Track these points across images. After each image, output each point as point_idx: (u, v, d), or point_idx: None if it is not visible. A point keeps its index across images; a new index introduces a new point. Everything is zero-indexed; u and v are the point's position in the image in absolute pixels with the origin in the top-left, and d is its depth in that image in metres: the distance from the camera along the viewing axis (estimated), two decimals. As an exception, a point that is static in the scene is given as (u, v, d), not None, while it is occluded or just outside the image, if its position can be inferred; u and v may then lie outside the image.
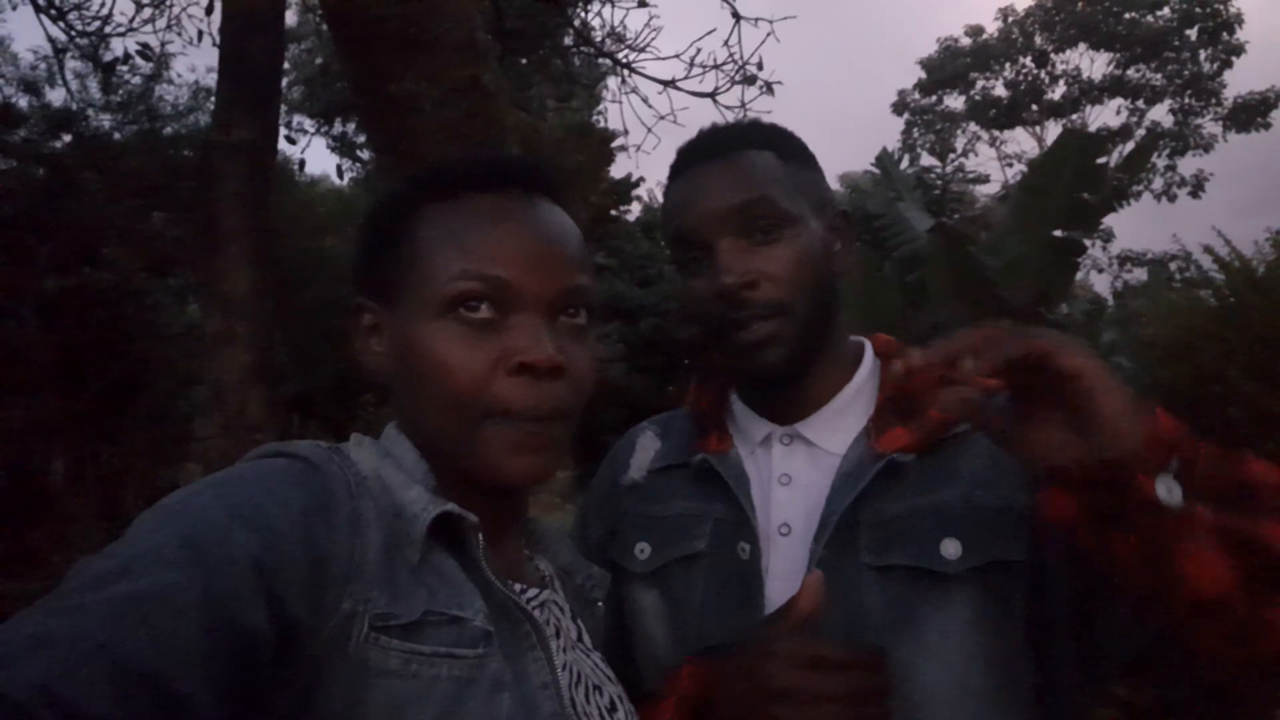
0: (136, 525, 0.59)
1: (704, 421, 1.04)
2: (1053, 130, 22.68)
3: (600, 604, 0.88)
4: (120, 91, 8.58)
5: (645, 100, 6.92)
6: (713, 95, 5.00)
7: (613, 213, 12.87)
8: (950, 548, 0.85)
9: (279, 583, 0.58)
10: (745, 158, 0.94)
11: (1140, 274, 18.61)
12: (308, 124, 13.62)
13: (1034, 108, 22.46)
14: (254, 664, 0.55)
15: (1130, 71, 21.16)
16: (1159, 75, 20.80)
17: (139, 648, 0.49)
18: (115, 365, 7.39)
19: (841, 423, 0.96)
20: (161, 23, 5.57)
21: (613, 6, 5.71)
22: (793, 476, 0.95)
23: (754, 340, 0.91)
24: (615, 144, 11.33)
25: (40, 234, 7.27)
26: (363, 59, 1.81)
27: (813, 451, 0.96)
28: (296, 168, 9.28)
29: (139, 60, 5.79)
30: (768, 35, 4.88)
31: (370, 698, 0.61)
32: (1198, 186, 20.19)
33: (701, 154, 0.97)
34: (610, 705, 0.78)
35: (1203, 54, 20.18)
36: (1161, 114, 21.16)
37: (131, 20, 5.61)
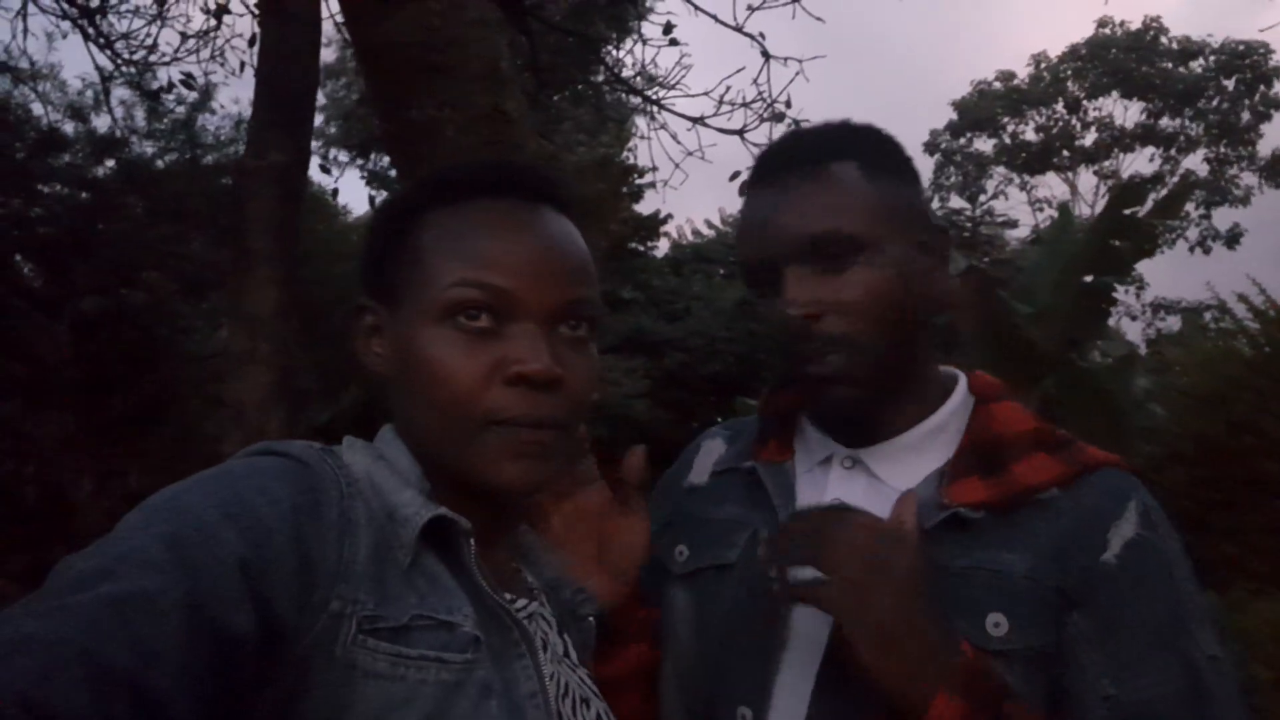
0: (123, 524, 0.58)
1: (767, 429, 0.99)
2: (1084, 176, 22.59)
3: (590, 619, 0.86)
4: (165, 120, 8.80)
5: (674, 137, 7.00)
6: (741, 133, 5.03)
7: (639, 247, 12.93)
8: (996, 624, 0.79)
9: (266, 582, 0.57)
10: (824, 174, 0.86)
11: (1174, 322, 18.34)
12: (343, 157, 13.91)
13: (1065, 153, 22.37)
14: (238, 666, 0.54)
15: (1164, 121, 21.05)
16: (1195, 125, 20.67)
17: (119, 651, 0.48)
18: (146, 384, 7.49)
19: (912, 459, 0.89)
20: (206, 53, 5.73)
21: (644, 44, 5.79)
22: (846, 503, 0.89)
23: (820, 375, 0.86)
24: (644, 180, 11.43)
25: (81, 254, 7.44)
26: (386, 84, 1.84)
27: (874, 483, 0.89)
28: (330, 195, 9.45)
29: (183, 89, 5.95)
30: (797, 74, 4.91)
31: (357, 699, 0.60)
32: (1233, 239, 19.94)
33: (779, 165, 0.90)
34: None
35: (1241, 105, 20.05)
36: (1196, 163, 21.01)
37: (177, 50, 5.78)
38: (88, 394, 7.20)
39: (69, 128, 8.21)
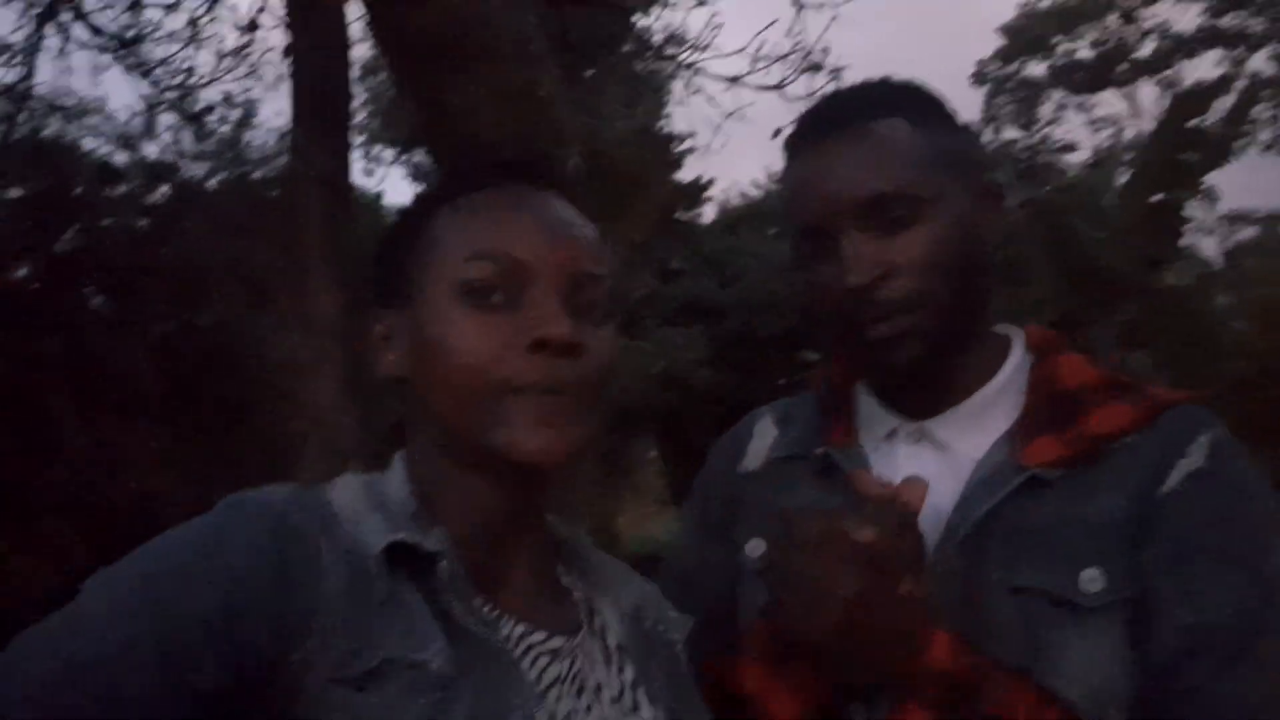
0: (90, 582, 0.59)
1: (829, 412, 0.96)
2: (1145, 89, 21.61)
3: (680, 645, 0.82)
4: (212, 140, 9.01)
5: (711, 99, 6.88)
6: (779, 87, 4.94)
7: (683, 217, 12.81)
8: (1091, 579, 0.77)
9: (236, 635, 0.57)
10: (872, 132, 0.84)
11: (1252, 232, 17.49)
12: (387, 154, 14.02)
13: (1124, 66, 21.39)
14: None
15: (1225, 19, 19.94)
16: (1258, 20, 19.53)
17: (85, 711, 0.49)
18: (226, 397, 7.74)
19: (980, 424, 0.86)
20: (242, 70, 5.83)
21: (672, 9, 5.69)
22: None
23: (888, 335, 0.82)
24: (683, 147, 11.30)
25: (148, 276, 7.69)
26: (418, 75, 1.83)
27: (943, 453, 0.87)
28: (376, 199, 9.59)
29: (224, 108, 6.07)
30: (832, 19, 4.79)
31: None
32: (1310, 135, 18.88)
33: (823, 127, 0.87)
34: None
35: (1306, -8, 18.88)
36: (1262, 61, 19.87)
37: (214, 70, 5.88)
38: (172, 411, 7.47)
39: (121, 158, 8.45)
